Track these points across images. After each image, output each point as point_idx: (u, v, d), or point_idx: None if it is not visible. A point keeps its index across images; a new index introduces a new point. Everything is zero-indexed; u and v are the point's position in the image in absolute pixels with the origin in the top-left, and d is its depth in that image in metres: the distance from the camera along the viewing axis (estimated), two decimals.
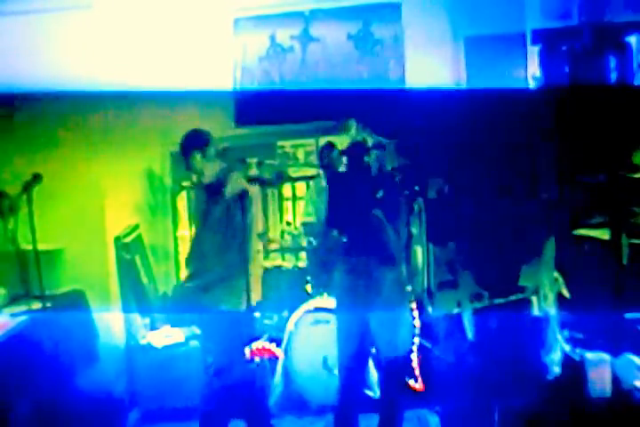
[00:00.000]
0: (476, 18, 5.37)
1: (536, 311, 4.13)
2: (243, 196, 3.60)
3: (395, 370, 3.69)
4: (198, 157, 3.67)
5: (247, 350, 3.85)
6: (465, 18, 5.44)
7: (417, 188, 3.98)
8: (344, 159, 3.60)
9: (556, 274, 4.15)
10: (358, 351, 3.67)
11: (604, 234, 4.29)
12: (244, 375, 3.73)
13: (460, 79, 5.50)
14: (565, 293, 4.13)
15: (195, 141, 3.70)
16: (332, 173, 3.63)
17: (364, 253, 3.53)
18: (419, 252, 4.17)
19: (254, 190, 3.77)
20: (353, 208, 3.53)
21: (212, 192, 3.70)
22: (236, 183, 3.70)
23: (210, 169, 3.71)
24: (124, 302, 4.89)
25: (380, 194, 3.52)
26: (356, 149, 3.56)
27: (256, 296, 3.81)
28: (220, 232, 3.63)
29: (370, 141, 3.54)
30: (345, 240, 3.56)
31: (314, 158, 5.93)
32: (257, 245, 5.29)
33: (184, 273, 3.91)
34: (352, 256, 3.55)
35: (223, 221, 3.63)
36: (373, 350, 3.82)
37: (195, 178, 3.75)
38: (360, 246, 3.53)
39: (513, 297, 4.13)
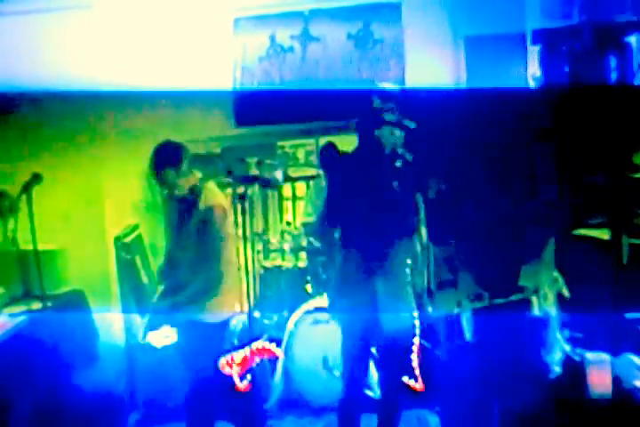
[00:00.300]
0: (475, 18, 5.37)
1: (536, 311, 4.13)
2: (217, 207, 3.55)
3: (395, 358, 3.66)
4: (171, 174, 3.52)
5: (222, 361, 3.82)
6: (465, 18, 5.44)
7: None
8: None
9: (556, 274, 4.15)
10: (362, 350, 3.65)
11: (603, 234, 4.29)
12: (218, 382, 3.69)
13: (459, 79, 5.50)
14: (566, 292, 4.13)
15: (168, 159, 3.52)
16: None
17: (378, 227, 3.47)
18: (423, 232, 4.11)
19: (227, 202, 3.69)
20: (365, 184, 3.45)
21: (185, 204, 3.63)
22: (210, 194, 3.63)
23: (183, 182, 3.57)
24: (123, 302, 4.89)
25: (397, 164, 3.46)
26: (370, 121, 3.49)
27: (228, 307, 3.76)
28: (194, 246, 3.56)
29: (388, 118, 3.46)
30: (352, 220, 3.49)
31: (314, 158, 5.93)
32: (256, 246, 5.31)
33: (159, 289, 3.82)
34: (362, 235, 3.47)
35: (198, 234, 3.54)
36: (374, 351, 3.81)
37: (167, 191, 3.63)
38: (374, 220, 3.47)
39: (513, 297, 4.13)
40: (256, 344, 4.59)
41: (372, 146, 3.45)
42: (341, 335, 3.64)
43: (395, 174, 3.47)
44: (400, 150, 3.45)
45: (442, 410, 4.23)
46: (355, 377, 3.63)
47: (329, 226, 3.61)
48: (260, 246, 5.56)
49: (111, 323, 4.92)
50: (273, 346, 4.65)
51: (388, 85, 3.68)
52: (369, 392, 4.28)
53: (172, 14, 5.76)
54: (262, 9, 5.83)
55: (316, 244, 4.95)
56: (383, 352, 3.65)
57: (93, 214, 5.53)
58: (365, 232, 3.46)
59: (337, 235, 3.59)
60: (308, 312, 4.57)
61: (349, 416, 3.62)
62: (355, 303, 3.49)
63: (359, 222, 3.47)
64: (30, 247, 3.86)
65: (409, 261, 3.64)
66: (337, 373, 4.39)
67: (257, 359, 4.57)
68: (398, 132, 3.44)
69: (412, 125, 3.42)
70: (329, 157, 4.94)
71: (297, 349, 4.54)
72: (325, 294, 4.70)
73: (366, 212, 3.45)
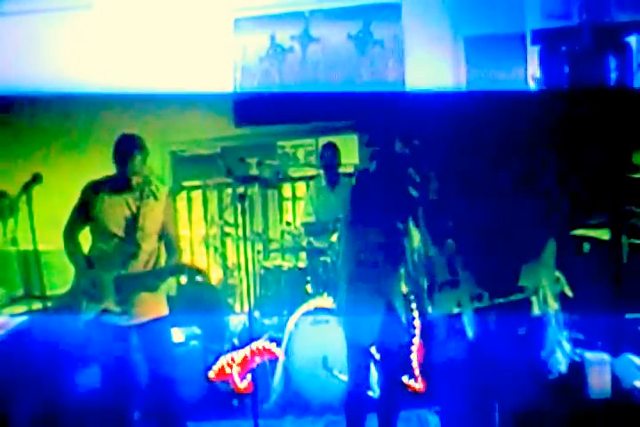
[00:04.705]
0: (475, 18, 5.37)
1: (536, 311, 4.13)
2: None
3: (392, 363, 3.66)
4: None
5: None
6: (465, 18, 5.44)
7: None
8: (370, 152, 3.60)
9: (558, 273, 4.15)
10: (367, 351, 3.66)
11: (603, 234, 4.29)
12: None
13: (459, 79, 5.51)
14: (568, 292, 4.13)
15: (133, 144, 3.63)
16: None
17: (384, 248, 3.50)
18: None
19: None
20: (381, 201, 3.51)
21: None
22: None
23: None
24: None
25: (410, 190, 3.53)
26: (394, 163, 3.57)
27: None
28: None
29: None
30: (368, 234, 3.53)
31: (314, 158, 5.94)
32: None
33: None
34: (371, 252, 3.50)
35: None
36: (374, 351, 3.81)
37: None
38: (381, 242, 3.51)
39: (513, 297, 4.13)
40: (256, 344, 4.60)
41: (392, 177, 3.52)
42: (346, 338, 3.63)
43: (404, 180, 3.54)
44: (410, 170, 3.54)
45: (442, 410, 4.23)
46: (361, 378, 3.63)
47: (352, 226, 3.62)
48: (260, 246, 5.57)
49: None
50: (273, 346, 4.65)
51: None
52: (369, 392, 4.29)
53: (172, 14, 5.76)
54: (262, 9, 5.83)
55: (316, 244, 4.95)
56: (383, 353, 3.66)
57: None
58: (379, 236, 3.50)
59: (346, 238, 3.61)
60: (308, 312, 4.57)
61: (357, 417, 3.62)
62: (364, 305, 3.50)
63: (375, 227, 3.51)
64: (30, 247, 3.86)
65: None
66: (337, 372, 4.39)
67: (257, 359, 4.57)
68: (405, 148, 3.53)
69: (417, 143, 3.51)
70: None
71: (297, 349, 4.54)
72: (325, 294, 4.71)
73: (382, 215, 3.50)
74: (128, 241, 3.57)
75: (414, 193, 3.56)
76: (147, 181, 3.67)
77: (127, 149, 3.59)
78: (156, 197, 3.64)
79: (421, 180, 3.63)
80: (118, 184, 3.63)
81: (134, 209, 3.60)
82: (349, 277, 3.57)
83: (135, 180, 3.61)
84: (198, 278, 3.67)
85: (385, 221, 3.51)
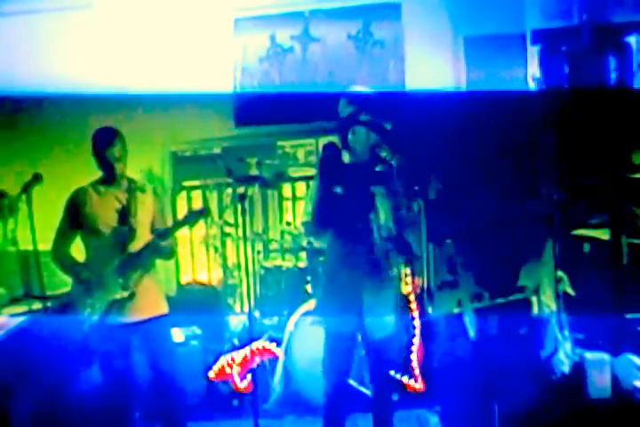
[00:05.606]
0: (476, 18, 5.37)
1: (536, 311, 4.14)
2: None
3: (381, 360, 3.61)
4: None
5: None
6: (465, 18, 5.44)
7: (416, 188, 3.97)
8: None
9: (560, 273, 4.15)
10: (346, 350, 3.63)
11: (604, 234, 4.29)
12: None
13: (459, 79, 5.51)
14: (571, 291, 4.14)
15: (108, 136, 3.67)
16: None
17: (356, 240, 3.42)
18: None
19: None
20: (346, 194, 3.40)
21: None
22: None
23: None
24: None
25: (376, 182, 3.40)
26: (340, 125, 3.45)
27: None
28: None
29: (351, 121, 3.42)
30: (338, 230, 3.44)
31: (314, 158, 5.93)
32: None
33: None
34: (345, 246, 3.42)
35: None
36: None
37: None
38: (354, 233, 3.42)
39: (513, 297, 4.14)
40: (256, 344, 4.60)
41: (347, 149, 3.43)
42: (325, 335, 3.61)
43: (377, 178, 3.42)
44: (383, 154, 3.41)
45: (442, 410, 4.23)
46: (337, 379, 3.61)
47: (318, 227, 3.53)
48: (260, 246, 5.56)
49: None
50: (273, 346, 4.65)
51: (360, 88, 3.63)
52: (365, 390, 4.28)
53: (173, 15, 5.76)
54: (262, 9, 5.84)
55: (316, 244, 4.94)
56: (372, 353, 3.62)
57: None
58: (351, 234, 3.41)
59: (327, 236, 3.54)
60: (308, 312, 4.56)
61: (335, 416, 3.60)
62: (342, 304, 3.46)
63: (345, 225, 3.42)
64: (30, 247, 3.86)
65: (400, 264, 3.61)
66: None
67: (257, 359, 4.57)
68: (374, 135, 3.40)
69: (388, 127, 3.39)
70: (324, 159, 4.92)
71: (297, 349, 4.54)
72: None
73: (349, 214, 3.40)
74: (122, 227, 3.59)
75: (380, 168, 3.42)
76: (131, 179, 3.72)
77: (105, 136, 3.65)
78: (143, 191, 3.69)
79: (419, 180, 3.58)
80: (103, 178, 3.68)
81: (124, 201, 3.64)
82: (330, 268, 3.53)
83: (119, 168, 3.64)
84: (201, 217, 3.70)
85: (352, 219, 3.40)
